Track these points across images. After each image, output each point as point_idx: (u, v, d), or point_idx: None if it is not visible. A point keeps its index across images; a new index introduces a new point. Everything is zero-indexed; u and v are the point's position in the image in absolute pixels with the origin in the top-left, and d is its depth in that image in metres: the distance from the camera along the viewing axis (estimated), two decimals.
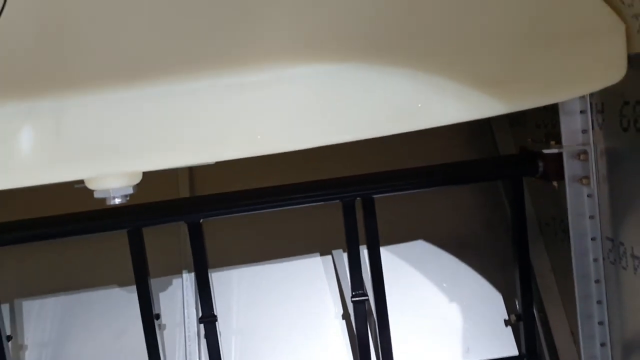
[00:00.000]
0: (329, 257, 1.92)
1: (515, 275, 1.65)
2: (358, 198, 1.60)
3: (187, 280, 1.86)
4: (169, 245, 1.87)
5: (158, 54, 1.11)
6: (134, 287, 1.65)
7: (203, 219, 1.61)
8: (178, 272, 1.87)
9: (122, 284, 1.86)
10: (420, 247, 1.90)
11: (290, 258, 1.90)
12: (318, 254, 1.92)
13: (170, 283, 1.88)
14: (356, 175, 1.60)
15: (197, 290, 1.69)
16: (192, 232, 1.59)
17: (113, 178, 1.15)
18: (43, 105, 1.09)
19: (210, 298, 1.64)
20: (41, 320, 1.85)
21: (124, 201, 1.19)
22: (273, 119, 1.11)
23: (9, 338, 1.71)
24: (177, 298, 1.85)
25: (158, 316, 1.72)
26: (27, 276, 1.88)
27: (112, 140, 1.11)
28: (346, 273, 1.79)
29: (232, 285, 1.88)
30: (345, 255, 1.79)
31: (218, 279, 1.82)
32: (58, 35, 1.08)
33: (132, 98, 1.10)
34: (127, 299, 1.83)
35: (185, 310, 1.82)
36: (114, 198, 1.18)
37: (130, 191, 1.18)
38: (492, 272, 1.85)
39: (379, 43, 1.14)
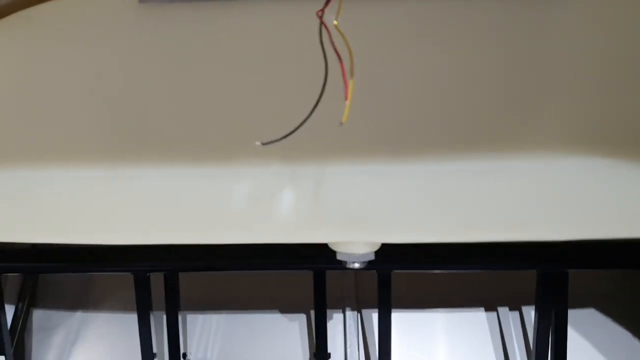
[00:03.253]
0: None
1: None
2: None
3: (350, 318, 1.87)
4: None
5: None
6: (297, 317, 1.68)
7: None
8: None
9: (287, 311, 1.90)
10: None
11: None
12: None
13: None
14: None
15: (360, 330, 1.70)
16: None
17: (360, 245, 1.16)
18: (305, 170, 1.10)
19: None
20: (204, 335, 1.91)
21: (362, 266, 1.20)
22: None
23: (184, 356, 1.76)
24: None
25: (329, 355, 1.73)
26: (194, 290, 1.94)
27: (368, 210, 1.12)
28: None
29: None
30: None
31: None
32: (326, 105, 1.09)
33: (397, 174, 1.09)
34: (289, 328, 1.87)
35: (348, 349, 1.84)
36: (353, 262, 1.19)
37: (372, 257, 1.18)
38: None
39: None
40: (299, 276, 1.85)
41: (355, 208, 1.11)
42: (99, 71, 1.12)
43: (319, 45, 1.02)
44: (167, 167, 1.13)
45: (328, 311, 1.71)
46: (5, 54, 1.12)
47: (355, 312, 1.88)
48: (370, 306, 1.89)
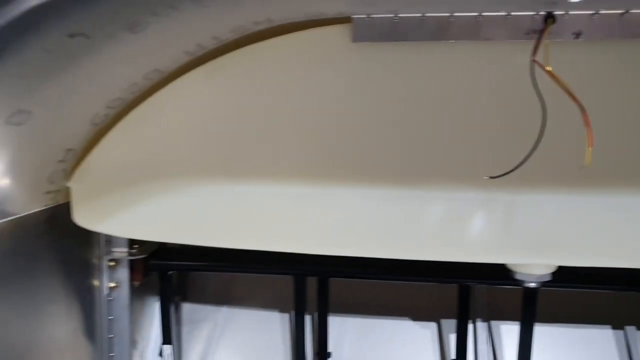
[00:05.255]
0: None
1: None
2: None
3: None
4: None
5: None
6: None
7: None
8: None
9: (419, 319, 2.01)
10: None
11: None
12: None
13: None
14: None
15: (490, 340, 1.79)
16: None
17: (541, 267, 1.27)
18: (498, 197, 1.22)
19: None
20: (341, 336, 2.05)
21: (538, 286, 1.30)
22: None
23: (328, 355, 1.89)
24: None
25: None
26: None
27: (556, 236, 1.22)
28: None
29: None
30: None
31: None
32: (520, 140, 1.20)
33: (586, 203, 1.19)
34: (420, 335, 1.99)
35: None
36: (530, 282, 1.29)
37: (549, 278, 1.29)
38: None
39: None
40: (429, 288, 1.96)
41: (544, 234, 1.21)
42: (309, 100, 1.27)
43: (504, 84, 1.13)
44: (367, 188, 1.26)
45: (455, 321, 1.82)
46: (230, 83, 1.28)
47: (486, 323, 1.97)
48: (498, 318, 1.98)
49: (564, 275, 1.32)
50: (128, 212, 1.35)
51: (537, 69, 1.09)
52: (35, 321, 1.36)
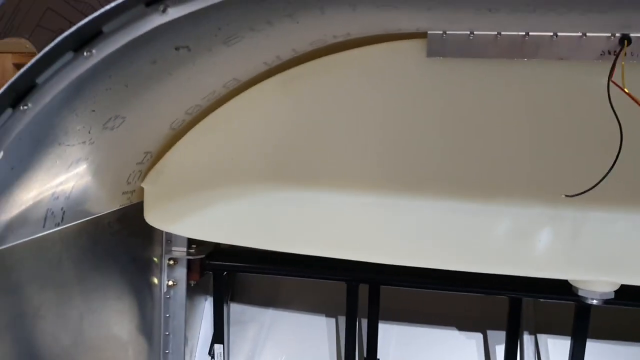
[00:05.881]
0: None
1: None
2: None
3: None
4: None
5: None
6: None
7: None
8: None
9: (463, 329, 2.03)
10: None
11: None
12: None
13: None
14: None
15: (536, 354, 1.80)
16: None
17: (605, 284, 1.28)
18: (566, 213, 1.24)
19: None
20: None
21: (599, 303, 1.31)
22: None
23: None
24: None
25: None
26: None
27: (621, 255, 1.23)
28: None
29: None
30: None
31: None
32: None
33: None
34: (464, 345, 2.01)
35: None
36: (592, 299, 1.30)
37: (612, 296, 1.30)
38: None
39: None
40: (477, 298, 1.98)
41: (610, 251, 1.23)
42: (382, 112, 1.30)
43: (577, 103, 1.15)
44: (435, 200, 1.29)
45: (501, 332, 1.83)
46: (303, 93, 1.32)
47: (533, 337, 1.98)
48: (545, 331, 1.98)
49: (626, 294, 1.33)
50: (198, 215, 1.39)
51: (614, 89, 1.11)
52: (106, 317, 1.41)
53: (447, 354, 2.04)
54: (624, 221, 1.21)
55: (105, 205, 1.31)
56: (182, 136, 1.37)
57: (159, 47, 0.86)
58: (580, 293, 1.31)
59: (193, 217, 1.39)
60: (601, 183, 1.13)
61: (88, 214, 1.26)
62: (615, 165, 1.13)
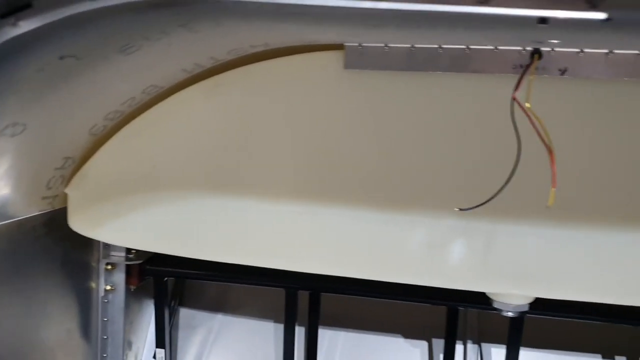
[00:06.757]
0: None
1: None
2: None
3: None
4: None
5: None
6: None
7: None
8: None
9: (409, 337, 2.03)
10: None
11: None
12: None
13: None
14: None
15: None
16: None
17: (519, 297, 1.28)
18: (478, 226, 1.24)
19: None
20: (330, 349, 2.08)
21: (516, 315, 1.32)
22: None
23: None
24: None
25: None
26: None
27: (533, 268, 1.23)
28: None
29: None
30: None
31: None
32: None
33: (565, 238, 1.21)
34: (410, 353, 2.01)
35: None
36: (508, 312, 1.31)
37: (527, 308, 1.30)
38: None
39: None
40: (422, 306, 1.98)
41: (521, 265, 1.23)
42: (302, 122, 1.30)
43: (491, 116, 1.16)
44: (354, 210, 1.29)
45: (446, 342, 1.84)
46: (226, 101, 1.32)
47: (476, 345, 1.98)
48: (488, 340, 1.99)
49: (544, 305, 1.33)
50: (122, 221, 1.39)
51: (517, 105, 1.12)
52: (31, 321, 1.41)
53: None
54: (534, 235, 1.22)
55: (24, 209, 1.31)
56: (106, 141, 1.37)
57: (38, 56, 0.86)
58: (495, 305, 1.31)
59: (116, 223, 1.39)
60: (512, 197, 1.13)
61: (5, 217, 1.26)
62: (525, 179, 1.13)
